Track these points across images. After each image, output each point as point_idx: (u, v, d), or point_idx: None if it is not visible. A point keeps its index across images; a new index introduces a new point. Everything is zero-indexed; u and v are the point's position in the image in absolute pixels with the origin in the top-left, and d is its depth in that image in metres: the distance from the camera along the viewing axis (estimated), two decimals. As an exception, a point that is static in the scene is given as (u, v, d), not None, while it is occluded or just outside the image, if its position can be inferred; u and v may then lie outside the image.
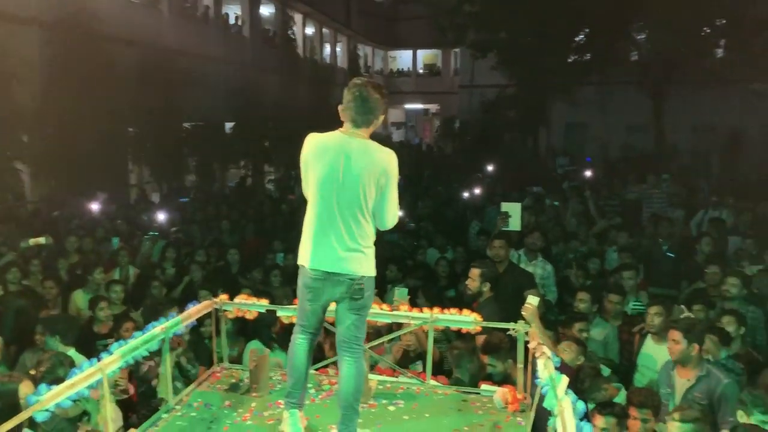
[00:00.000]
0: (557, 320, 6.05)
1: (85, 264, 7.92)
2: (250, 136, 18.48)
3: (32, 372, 4.06)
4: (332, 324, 3.51)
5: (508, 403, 3.83)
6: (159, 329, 3.75)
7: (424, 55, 39.47)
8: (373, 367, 4.42)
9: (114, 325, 5.65)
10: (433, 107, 39.44)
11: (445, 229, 10.40)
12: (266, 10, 25.07)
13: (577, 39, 21.25)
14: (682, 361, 4.39)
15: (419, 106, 39.84)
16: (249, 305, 4.37)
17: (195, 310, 4.19)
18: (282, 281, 7.40)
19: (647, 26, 20.25)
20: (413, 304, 4.86)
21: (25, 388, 3.46)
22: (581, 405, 2.83)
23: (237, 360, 5.32)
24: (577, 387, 4.08)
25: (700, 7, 17.39)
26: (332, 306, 3.34)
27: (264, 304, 4.37)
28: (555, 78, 20.49)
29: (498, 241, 6.15)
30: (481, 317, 4.11)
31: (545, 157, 23.48)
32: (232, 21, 23.58)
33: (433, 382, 4.21)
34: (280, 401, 3.69)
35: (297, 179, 3.76)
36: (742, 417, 3.82)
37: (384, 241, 6.55)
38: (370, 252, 3.27)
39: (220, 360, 4.50)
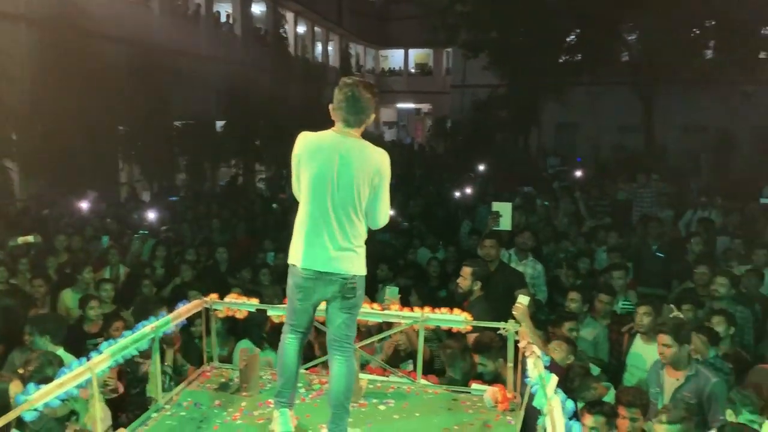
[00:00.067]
0: (547, 320, 6.07)
1: (74, 263, 7.88)
2: (241, 135, 18.42)
3: (20, 371, 4.03)
4: (323, 323, 3.51)
5: (498, 402, 3.83)
6: (149, 328, 3.74)
7: (416, 55, 39.43)
8: (363, 367, 4.42)
9: (104, 324, 5.60)
10: (424, 107, 39.40)
11: (437, 229, 10.43)
12: (257, 8, 24.98)
13: (568, 39, 21.36)
14: (673, 363, 4.42)
15: (411, 105, 39.82)
16: (239, 304, 4.35)
17: (185, 309, 4.17)
18: (272, 280, 7.39)
19: (638, 27, 20.37)
20: (405, 303, 4.86)
21: (15, 388, 3.44)
22: (570, 404, 2.85)
23: (227, 359, 5.30)
24: (566, 386, 4.10)
25: (689, 8, 17.52)
26: (322, 305, 3.34)
27: (254, 303, 4.35)
28: (546, 78, 20.57)
29: (489, 240, 6.15)
30: (472, 316, 4.11)
31: (536, 157, 23.57)
32: (223, 19, 23.53)
33: (423, 382, 4.20)
34: (270, 400, 3.67)
35: (288, 178, 3.74)
36: (730, 416, 3.85)
37: (375, 241, 6.54)
38: (362, 251, 3.27)
39: (210, 359, 4.48)
